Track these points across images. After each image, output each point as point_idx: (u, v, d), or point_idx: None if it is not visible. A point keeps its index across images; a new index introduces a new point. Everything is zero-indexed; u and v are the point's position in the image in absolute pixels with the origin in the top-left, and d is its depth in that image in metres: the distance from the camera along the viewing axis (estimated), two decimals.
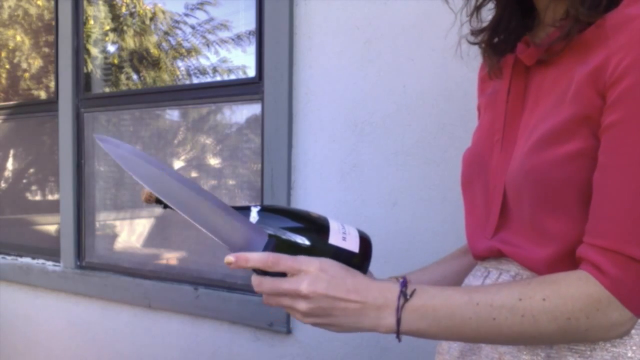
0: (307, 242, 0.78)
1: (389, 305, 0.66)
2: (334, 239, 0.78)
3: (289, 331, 1.68)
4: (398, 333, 0.66)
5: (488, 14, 0.84)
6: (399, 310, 0.65)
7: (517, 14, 0.80)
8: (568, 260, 0.65)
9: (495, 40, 0.82)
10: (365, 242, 0.81)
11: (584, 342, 0.65)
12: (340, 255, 0.79)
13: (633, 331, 0.65)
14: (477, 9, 0.83)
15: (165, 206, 0.76)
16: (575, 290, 0.61)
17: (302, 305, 0.67)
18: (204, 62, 2.21)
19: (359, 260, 0.81)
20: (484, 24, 0.83)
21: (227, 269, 1.91)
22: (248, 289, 1.80)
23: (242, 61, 2.03)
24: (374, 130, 1.54)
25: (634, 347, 0.64)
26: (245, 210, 0.76)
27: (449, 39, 1.33)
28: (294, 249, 0.78)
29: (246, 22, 1.97)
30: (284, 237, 0.77)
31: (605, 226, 0.61)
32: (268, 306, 1.74)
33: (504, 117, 0.76)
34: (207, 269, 1.97)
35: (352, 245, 0.79)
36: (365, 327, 0.67)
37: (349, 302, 0.66)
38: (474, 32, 0.84)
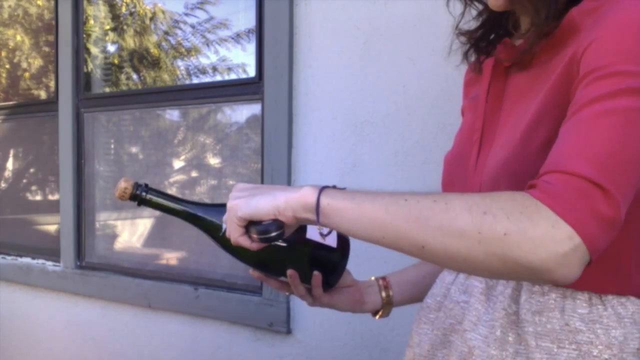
0: (284, 237, 0.79)
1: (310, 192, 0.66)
2: (312, 234, 0.79)
3: (289, 331, 1.68)
4: (319, 201, 0.65)
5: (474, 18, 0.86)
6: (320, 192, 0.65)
7: (504, 17, 0.82)
8: None
9: (483, 44, 0.84)
10: (343, 238, 0.83)
11: (505, 255, 0.55)
12: (319, 250, 0.81)
13: (600, 331, 0.65)
14: (478, 15, 0.84)
15: (139, 203, 0.78)
16: (499, 194, 0.58)
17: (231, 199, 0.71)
18: (204, 61, 2.21)
19: (338, 255, 0.83)
20: (473, 27, 0.85)
21: (227, 269, 1.91)
22: (248, 289, 1.80)
23: (242, 61, 2.03)
24: (374, 130, 1.53)
25: (600, 347, 0.65)
26: (222, 207, 0.77)
27: (449, 39, 1.33)
28: (271, 244, 0.80)
29: (246, 21, 1.97)
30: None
31: (550, 159, 0.59)
32: (267, 306, 1.74)
33: (483, 117, 0.77)
34: (207, 269, 1.97)
35: (331, 241, 0.81)
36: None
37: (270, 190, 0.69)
38: (463, 34, 0.86)
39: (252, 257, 0.85)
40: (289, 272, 0.83)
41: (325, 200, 0.64)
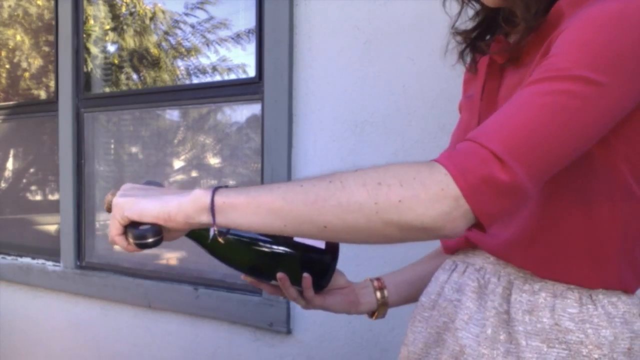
0: (271, 239, 0.80)
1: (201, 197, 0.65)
2: (298, 237, 0.80)
3: (289, 331, 1.68)
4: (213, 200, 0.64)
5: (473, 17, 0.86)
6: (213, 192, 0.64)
7: (499, 16, 0.82)
8: (525, 243, 0.67)
9: (479, 43, 0.85)
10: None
11: (400, 221, 0.58)
12: (308, 252, 0.81)
13: (590, 331, 0.65)
14: (475, 15, 0.85)
15: None
16: (394, 163, 0.60)
17: (113, 198, 0.69)
18: (203, 61, 2.21)
19: (328, 257, 0.84)
20: (469, 26, 0.86)
21: (227, 269, 1.91)
22: (248, 289, 1.80)
23: (242, 61, 2.03)
24: (374, 130, 1.53)
25: (589, 346, 0.65)
26: None
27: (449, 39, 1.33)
28: (259, 248, 0.81)
29: (246, 21, 1.97)
30: (249, 235, 0.79)
31: (476, 129, 0.62)
32: (267, 306, 1.74)
33: (478, 116, 0.78)
34: (207, 269, 1.97)
35: (318, 242, 0.81)
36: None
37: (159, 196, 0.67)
38: (459, 33, 0.86)
39: (242, 262, 0.86)
40: (279, 275, 0.83)
41: (220, 199, 0.63)
